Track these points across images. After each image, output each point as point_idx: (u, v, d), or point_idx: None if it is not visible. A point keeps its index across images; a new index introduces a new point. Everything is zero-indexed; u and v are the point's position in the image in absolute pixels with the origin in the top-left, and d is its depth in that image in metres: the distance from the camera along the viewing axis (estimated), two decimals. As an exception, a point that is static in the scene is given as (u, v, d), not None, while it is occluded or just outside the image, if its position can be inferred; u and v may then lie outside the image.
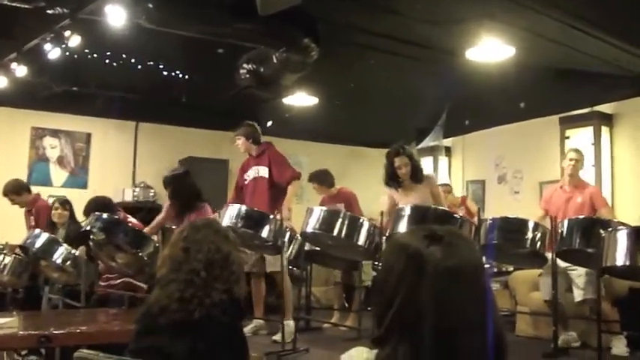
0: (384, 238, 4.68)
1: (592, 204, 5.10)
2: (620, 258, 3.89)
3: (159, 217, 5.18)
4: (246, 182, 5.61)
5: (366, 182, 7.07)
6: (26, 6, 4.88)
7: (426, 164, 7.81)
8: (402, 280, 1.14)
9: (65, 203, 5.54)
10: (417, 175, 4.98)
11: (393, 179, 4.99)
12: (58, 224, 5.45)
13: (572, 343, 4.95)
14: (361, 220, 4.84)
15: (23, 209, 6.12)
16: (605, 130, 6.87)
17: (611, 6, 5.02)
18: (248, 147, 5.62)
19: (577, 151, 5.39)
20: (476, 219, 4.73)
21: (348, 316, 6.16)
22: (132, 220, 5.10)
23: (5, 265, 5.15)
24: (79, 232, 4.71)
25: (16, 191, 5.95)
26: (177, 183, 4.93)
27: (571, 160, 5.24)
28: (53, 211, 5.44)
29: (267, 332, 5.42)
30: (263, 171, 5.49)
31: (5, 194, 5.94)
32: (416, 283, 1.12)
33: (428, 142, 8.76)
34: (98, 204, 5.03)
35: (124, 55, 6.55)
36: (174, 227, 4.82)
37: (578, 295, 4.83)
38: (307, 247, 5.49)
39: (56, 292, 5.04)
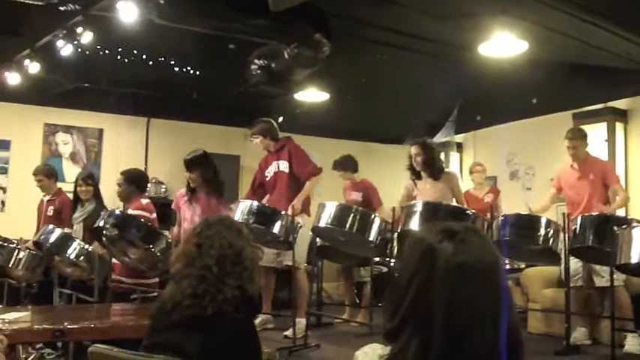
0: (395, 234, 4.67)
1: (604, 181, 5.03)
2: (635, 255, 3.86)
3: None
4: (267, 179, 5.61)
5: (378, 178, 7.04)
6: (38, 3, 4.90)
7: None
8: (414, 274, 1.16)
9: (87, 178, 5.55)
10: (431, 169, 4.99)
11: (412, 170, 5.11)
12: (84, 200, 5.49)
13: (583, 340, 4.90)
14: (373, 216, 4.84)
15: (42, 199, 6.12)
16: (619, 125, 6.82)
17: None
18: (267, 144, 5.58)
19: (571, 137, 5.13)
20: (488, 215, 4.72)
21: (359, 311, 6.17)
22: (144, 201, 5.10)
23: (20, 259, 5.19)
24: (92, 227, 4.73)
25: (47, 174, 6.00)
26: (205, 162, 4.88)
27: (568, 147, 5.12)
28: (78, 188, 5.47)
29: (274, 327, 5.43)
30: (283, 165, 5.46)
31: (36, 173, 5.99)
32: (428, 277, 1.13)
33: (439, 138, 8.73)
34: (131, 175, 5.05)
35: (135, 51, 6.57)
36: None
37: (599, 281, 4.78)
38: (319, 242, 5.49)
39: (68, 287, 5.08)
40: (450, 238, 1.16)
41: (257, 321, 5.20)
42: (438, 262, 1.13)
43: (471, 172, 7.04)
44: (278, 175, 5.49)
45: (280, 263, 5.39)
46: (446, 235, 1.17)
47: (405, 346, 1.13)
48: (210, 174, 4.86)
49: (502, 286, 1.15)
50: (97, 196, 5.52)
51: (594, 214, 4.64)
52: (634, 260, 3.87)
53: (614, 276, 4.35)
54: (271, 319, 5.54)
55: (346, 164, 6.48)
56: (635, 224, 4.04)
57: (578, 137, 5.14)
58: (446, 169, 5.36)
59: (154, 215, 4.99)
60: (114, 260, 4.87)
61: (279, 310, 5.77)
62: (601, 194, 5.01)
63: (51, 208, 5.88)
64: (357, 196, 6.31)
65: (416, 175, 5.10)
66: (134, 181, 5.03)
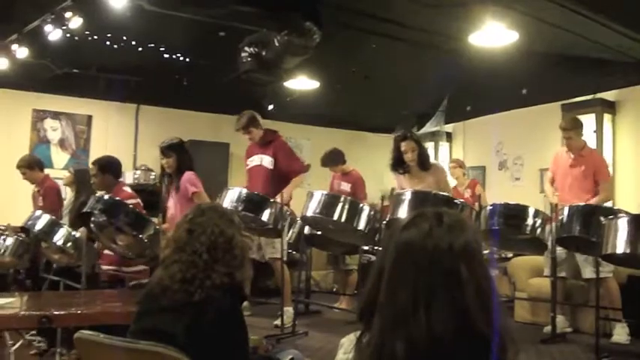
0: (384, 223, 4.68)
1: (596, 176, 5.00)
2: (621, 246, 3.89)
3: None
4: (248, 167, 5.59)
5: (367, 167, 7.07)
6: (27, -14, 4.86)
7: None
8: (381, 251, 1.20)
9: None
10: (423, 162, 4.93)
11: (399, 164, 4.96)
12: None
13: (563, 328, 4.93)
14: (361, 205, 4.84)
15: (33, 190, 6.10)
16: (607, 117, 6.85)
17: (616, -8, 5.00)
18: (258, 134, 5.52)
19: (564, 127, 5.09)
20: (477, 205, 4.74)
21: (349, 299, 6.18)
22: (127, 189, 5.04)
23: (7, 246, 5.16)
24: (80, 214, 4.69)
25: (29, 165, 5.96)
26: (180, 149, 4.76)
27: (564, 138, 5.13)
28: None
29: (252, 314, 5.41)
30: (267, 161, 5.43)
31: (19, 166, 5.97)
32: (385, 253, 1.16)
33: (429, 128, 8.75)
34: (104, 163, 4.93)
35: (125, 38, 6.52)
36: None
37: (587, 272, 4.80)
38: (307, 230, 5.50)
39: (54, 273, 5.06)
40: (413, 220, 1.16)
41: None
42: (392, 239, 1.15)
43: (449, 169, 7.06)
44: (258, 169, 5.46)
45: (262, 257, 5.39)
46: (414, 217, 1.17)
47: (369, 323, 1.14)
48: (184, 162, 4.74)
49: (455, 277, 1.07)
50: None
51: (581, 204, 4.67)
52: (619, 250, 3.90)
53: (607, 268, 4.41)
54: (248, 306, 5.52)
55: (334, 159, 6.48)
56: (621, 215, 4.07)
57: (572, 127, 5.08)
58: (433, 162, 5.31)
59: (139, 201, 4.94)
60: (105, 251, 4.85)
61: (269, 299, 5.78)
62: (586, 186, 5.00)
63: (40, 198, 5.89)
64: (345, 186, 6.32)
65: (403, 170, 4.99)
66: (109, 169, 4.91)
